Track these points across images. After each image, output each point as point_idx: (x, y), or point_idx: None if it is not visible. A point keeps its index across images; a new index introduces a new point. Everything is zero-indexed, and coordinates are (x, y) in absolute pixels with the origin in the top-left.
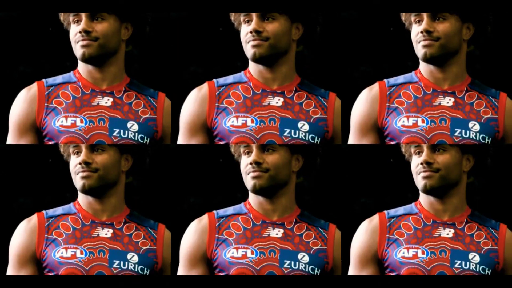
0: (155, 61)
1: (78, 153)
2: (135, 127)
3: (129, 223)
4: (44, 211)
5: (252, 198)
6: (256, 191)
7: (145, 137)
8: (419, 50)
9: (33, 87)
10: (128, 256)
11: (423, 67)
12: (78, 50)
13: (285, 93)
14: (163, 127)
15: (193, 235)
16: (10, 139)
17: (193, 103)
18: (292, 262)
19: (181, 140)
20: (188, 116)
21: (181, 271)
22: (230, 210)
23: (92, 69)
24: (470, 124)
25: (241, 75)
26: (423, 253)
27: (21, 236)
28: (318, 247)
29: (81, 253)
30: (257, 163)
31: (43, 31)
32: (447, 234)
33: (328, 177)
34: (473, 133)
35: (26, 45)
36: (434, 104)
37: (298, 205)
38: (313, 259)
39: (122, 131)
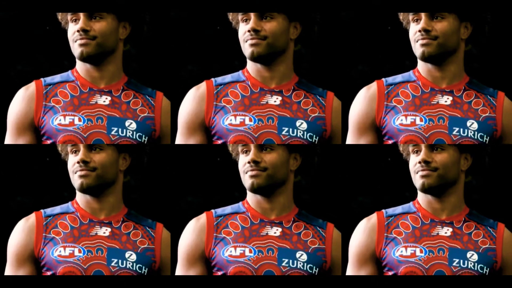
0: (152, 60)
1: (76, 152)
2: (133, 125)
3: (127, 222)
4: (42, 210)
5: (250, 197)
6: (254, 190)
7: (143, 136)
8: (417, 49)
9: (31, 86)
10: (126, 255)
11: (421, 66)
12: (76, 49)
13: (283, 91)
14: (161, 126)
15: (191, 234)
16: (8, 138)
17: (191, 102)
18: (290, 261)
19: (179, 139)
20: (186, 115)
21: (179, 270)
22: (228, 209)
23: (90, 68)
24: (468, 123)
25: (239, 74)
26: (421, 251)
27: (19, 235)
28: (316, 245)
29: (79, 251)
30: (255, 162)
31: (41, 30)
32: (445, 232)
33: (325, 176)
34: (471, 132)
35: (24, 44)
36: (432, 102)
37: (296, 204)
38: (311, 258)
39: (120, 129)
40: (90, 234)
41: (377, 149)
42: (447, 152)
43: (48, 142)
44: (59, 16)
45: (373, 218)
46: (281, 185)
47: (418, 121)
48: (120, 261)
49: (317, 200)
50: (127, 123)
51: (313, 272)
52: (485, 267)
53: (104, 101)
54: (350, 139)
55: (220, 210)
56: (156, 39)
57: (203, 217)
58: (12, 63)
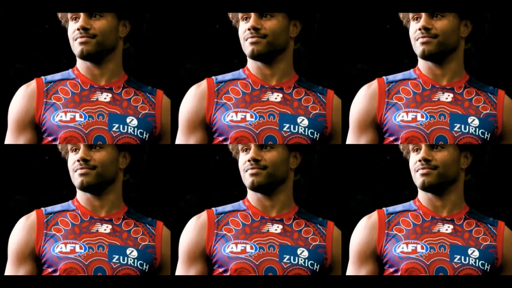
0: (152, 58)
1: (76, 150)
2: (134, 122)
3: (127, 219)
4: (43, 208)
5: (251, 195)
6: (254, 188)
7: (144, 133)
8: (417, 47)
9: (32, 84)
10: (128, 251)
11: (422, 64)
12: (76, 47)
13: (284, 89)
14: (162, 124)
15: (192, 231)
16: (9, 136)
17: (192, 100)
18: (292, 257)
19: (180, 136)
20: (187, 113)
21: (180, 267)
22: (228, 207)
23: (91, 65)
24: (469, 119)
25: (240, 72)
26: (422, 248)
27: (20, 232)
28: (317, 242)
29: (80, 248)
30: (255, 160)
31: (40, 28)
32: (446, 229)
33: (325, 174)
34: (472, 128)
35: (23, 42)
36: (433, 99)
37: (295, 202)
38: (312, 255)
39: (121, 126)
40: (91, 231)
41: (376, 148)
42: (447, 150)
43: (49, 138)
44: (59, 14)
45: (373, 215)
46: (281, 183)
47: (419, 118)
48: (121, 257)
49: (317, 198)
50: (128, 120)
51: (314, 269)
52: (486, 264)
53: (105, 98)
54: (351, 137)
55: (220, 208)
56: (155, 37)
57: (203, 215)
58: (11, 61)
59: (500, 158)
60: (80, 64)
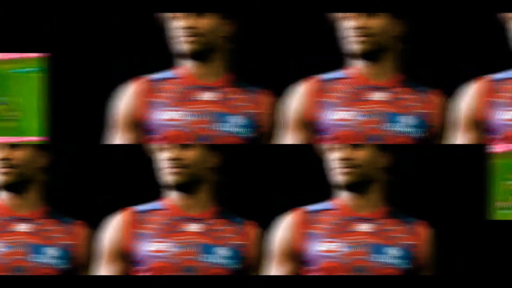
0: (258, 57)
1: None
2: (239, 121)
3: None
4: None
5: (171, 194)
6: (175, 187)
7: (249, 131)
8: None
9: (137, 83)
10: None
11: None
12: (183, 46)
13: (390, 88)
14: (266, 123)
15: (111, 231)
16: (114, 135)
17: (297, 99)
18: (212, 256)
19: (284, 135)
20: (293, 112)
21: (101, 267)
22: (148, 206)
23: (196, 64)
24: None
25: (342, 72)
26: (342, 246)
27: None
28: (237, 242)
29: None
30: (177, 160)
31: (141, 27)
32: (366, 228)
33: (246, 174)
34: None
35: (127, 42)
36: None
37: (216, 202)
38: (233, 254)
39: (225, 124)
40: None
41: (292, 148)
42: (368, 150)
43: (154, 137)
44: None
45: (293, 215)
46: (203, 182)
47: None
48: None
49: (238, 198)
50: (232, 119)
51: (234, 268)
52: (406, 263)
53: (210, 97)
54: (458, 136)
55: (140, 207)
56: (260, 36)
57: (122, 214)
58: (114, 61)
59: (422, 158)
60: (184, 63)
